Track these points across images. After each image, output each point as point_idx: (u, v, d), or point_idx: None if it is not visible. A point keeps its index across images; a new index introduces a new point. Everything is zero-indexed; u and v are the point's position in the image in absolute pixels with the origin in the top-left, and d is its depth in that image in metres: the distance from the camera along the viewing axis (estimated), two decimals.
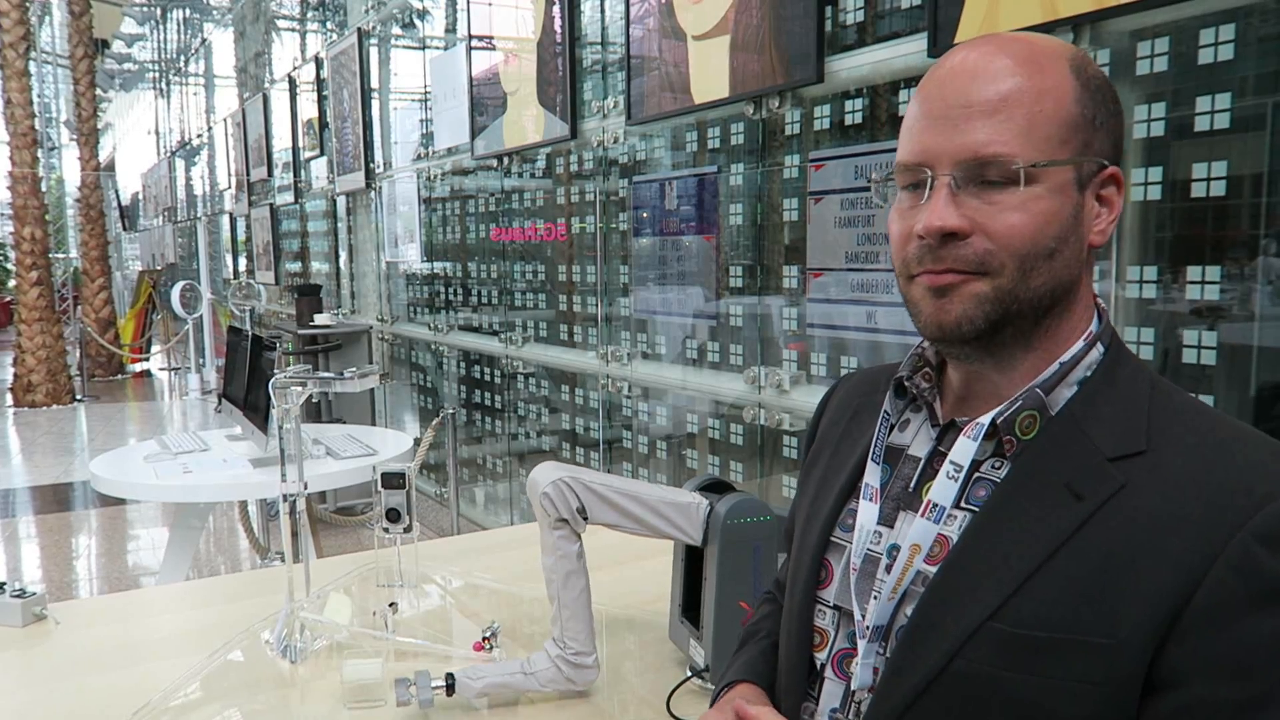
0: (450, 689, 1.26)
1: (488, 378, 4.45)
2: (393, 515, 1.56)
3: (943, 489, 0.80)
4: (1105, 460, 0.74)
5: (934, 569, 0.78)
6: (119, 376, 11.41)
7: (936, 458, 0.84)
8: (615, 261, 3.37)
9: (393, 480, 1.55)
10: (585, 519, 1.26)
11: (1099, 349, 0.81)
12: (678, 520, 1.33)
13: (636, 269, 3.21)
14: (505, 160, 4.04)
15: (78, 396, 9.67)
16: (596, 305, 3.48)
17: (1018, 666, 0.72)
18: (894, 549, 0.83)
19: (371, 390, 5.71)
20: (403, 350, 5.50)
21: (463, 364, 4.73)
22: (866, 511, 0.86)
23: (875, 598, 0.82)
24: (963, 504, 0.80)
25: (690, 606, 1.43)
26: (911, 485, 0.85)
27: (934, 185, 0.77)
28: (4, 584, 1.59)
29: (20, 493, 6.17)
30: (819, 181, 2.37)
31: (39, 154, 9.53)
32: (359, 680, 1.30)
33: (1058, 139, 0.76)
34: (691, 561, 1.44)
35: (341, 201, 6.22)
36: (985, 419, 0.79)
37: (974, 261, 0.76)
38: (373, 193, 5.59)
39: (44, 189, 9.78)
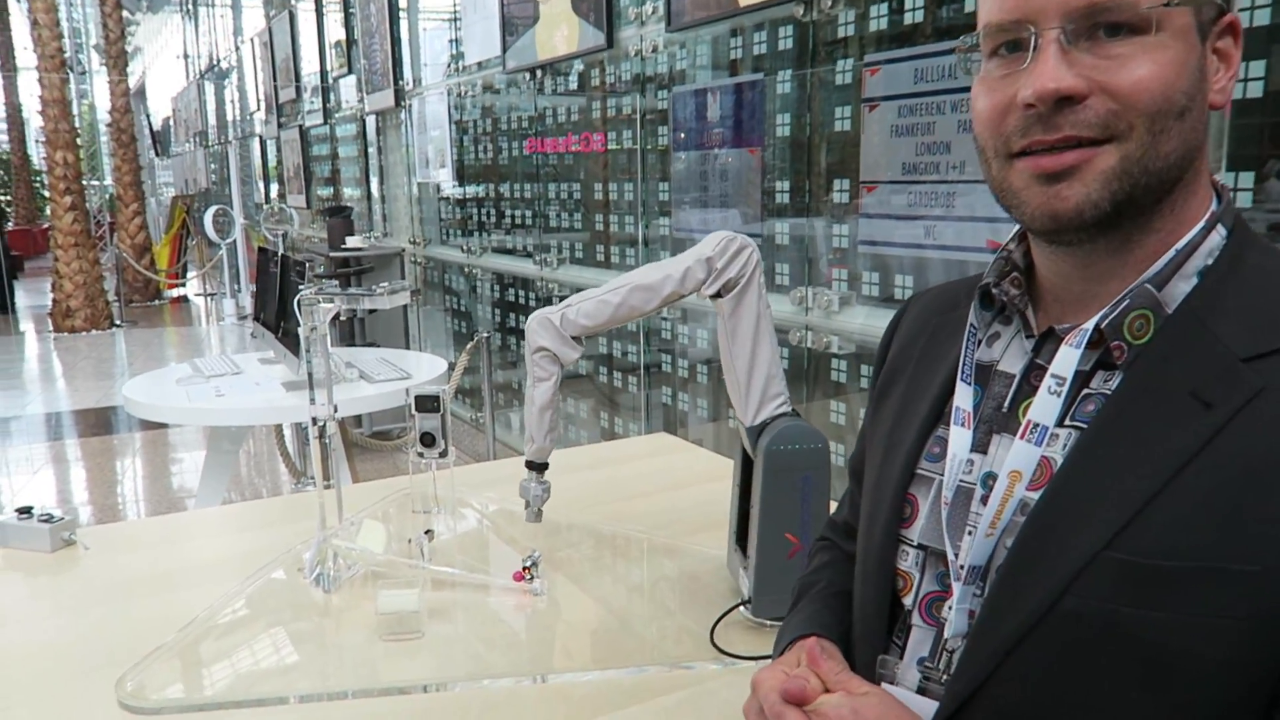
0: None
1: (522, 301, 4.36)
2: (427, 440, 1.48)
3: (1044, 406, 0.70)
4: (1238, 361, 0.64)
5: (1038, 495, 0.68)
6: (156, 302, 11.50)
7: (1034, 372, 0.74)
8: (653, 180, 3.23)
9: (427, 404, 1.48)
10: (726, 293, 1.31)
11: (1220, 232, 0.70)
12: None
13: (676, 187, 3.07)
14: (538, 74, 3.88)
15: (116, 322, 9.75)
16: (635, 225, 3.36)
17: (1141, 602, 0.61)
18: (989, 477, 0.73)
19: (405, 313, 5.66)
20: (436, 273, 5.42)
21: (496, 287, 4.64)
22: (959, 438, 0.76)
23: (970, 533, 0.72)
24: (1068, 421, 0.69)
25: (744, 534, 1.36)
26: (1006, 405, 0.75)
27: (1039, 44, 0.66)
28: (31, 509, 1.55)
29: (65, 416, 6.25)
30: (874, 87, 2.21)
31: (69, 78, 9.44)
32: (395, 611, 1.24)
33: None
34: (747, 485, 1.35)
35: (371, 122, 6.08)
36: (1090, 323, 0.69)
37: (1097, 125, 0.66)
38: (403, 112, 5.44)
39: (75, 113, 9.72)
